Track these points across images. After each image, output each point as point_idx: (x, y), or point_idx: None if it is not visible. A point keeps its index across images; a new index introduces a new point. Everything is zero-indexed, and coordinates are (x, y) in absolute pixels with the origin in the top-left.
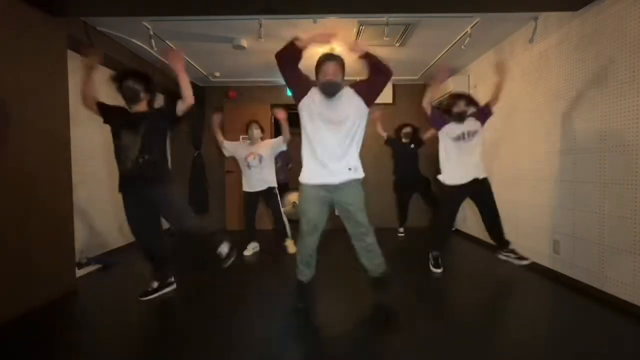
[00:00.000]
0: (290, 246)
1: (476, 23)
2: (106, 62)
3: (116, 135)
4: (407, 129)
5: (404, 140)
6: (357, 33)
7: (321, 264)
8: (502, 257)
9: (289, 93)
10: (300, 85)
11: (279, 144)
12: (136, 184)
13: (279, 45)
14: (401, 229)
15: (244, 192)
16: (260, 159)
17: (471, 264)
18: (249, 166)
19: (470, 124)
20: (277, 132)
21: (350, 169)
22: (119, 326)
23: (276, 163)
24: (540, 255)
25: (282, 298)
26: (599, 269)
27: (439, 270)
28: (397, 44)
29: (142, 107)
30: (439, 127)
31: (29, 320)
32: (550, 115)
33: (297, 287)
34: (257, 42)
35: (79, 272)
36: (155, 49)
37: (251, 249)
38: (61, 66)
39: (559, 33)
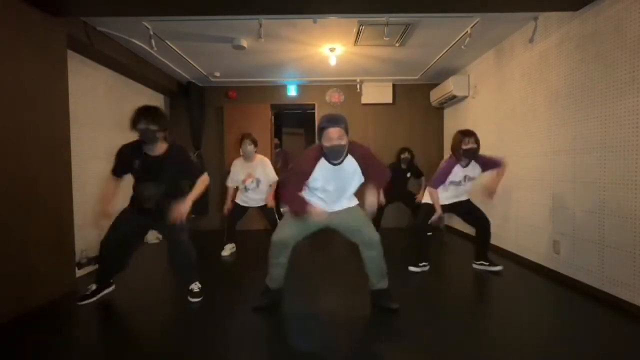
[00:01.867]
0: None
1: (476, 23)
2: (106, 62)
3: (138, 180)
4: (405, 155)
5: (402, 166)
6: (357, 33)
7: (322, 263)
8: (476, 266)
9: (289, 92)
10: (308, 175)
11: (269, 176)
12: (151, 215)
13: (279, 45)
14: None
15: (236, 202)
16: (258, 182)
17: (470, 264)
18: (245, 189)
19: (473, 170)
20: (277, 131)
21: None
22: (119, 326)
23: (276, 163)
24: (540, 255)
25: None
26: (599, 269)
27: (423, 266)
28: (397, 44)
29: (161, 148)
30: (444, 181)
31: (29, 320)
32: (550, 115)
33: (265, 291)
34: (257, 42)
35: (79, 272)
36: (155, 48)
37: (229, 249)
38: (61, 66)
39: (559, 33)
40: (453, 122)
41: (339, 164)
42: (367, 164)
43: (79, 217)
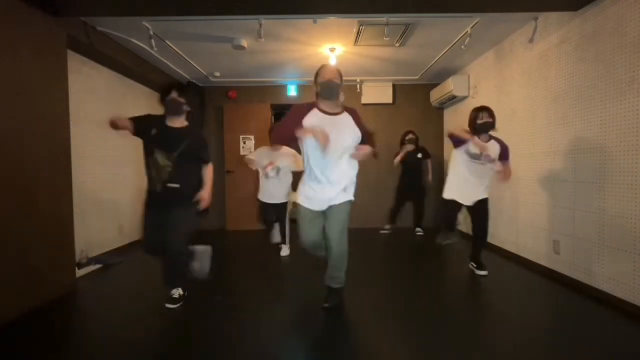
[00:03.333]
0: (284, 250)
1: (476, 23)
2: (106, 62)
3: (149, 151)
4: (410, 135)
5: (409, 148)
6: (357, 33)
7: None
8: (470, 265)
9: (289, 92)
10: (298, 122)
11: (296, 162)
12: (163, 203)
13: (279, 45)
14: (387, 227)
15: (258, 199)
16: (278, 171)
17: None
18: (266, 176)
19: (493, 148)
20: None
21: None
22: (119, 326)
23: None
24: (540, 255)
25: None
26: (599, 269)
27: (453, 238)
28: (397, 44)
29: (182, 122)
30: (457, 146)
31: (29, 320)
32: (550, 115)
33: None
34: (257, 42)
35: (79, 272)
36: (155, 48)
37: (286, 249)
38: (61, 66)
39: (559, 33)
40: (453, 122)
41: (333, 114)
42: (359, 124)
43: (78, 217)
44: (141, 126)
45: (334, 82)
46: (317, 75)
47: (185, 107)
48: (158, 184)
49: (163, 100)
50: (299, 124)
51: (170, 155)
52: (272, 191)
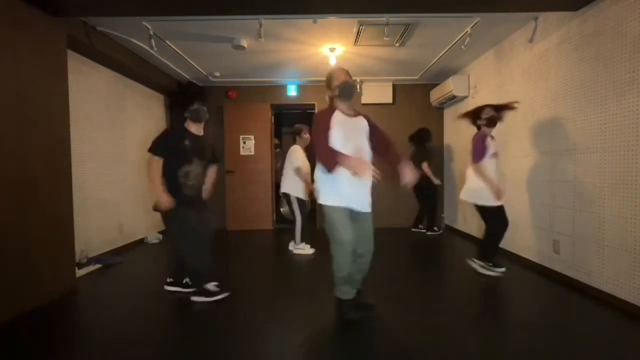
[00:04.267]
0: (292, 248)
1: (476, 23)
2: (106, 62)
3: (187, 161)
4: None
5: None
6: (357, 33)
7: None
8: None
9: (289, 92)
10: (327, 130)
11: (296, 161)
12: (197, 205)
13: (279, 45)
14: (436, 229)
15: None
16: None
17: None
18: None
19: (496, 145)
20: (276, 130)
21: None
22: (119, 326)
23: (276, 163)
24: (540, 255)
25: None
26: (599, 269)
27: (501, 269)
28: (397, 44)
29: (202, 128)
30: (483, 154)
31: (29, 320)
32: (550, 115)
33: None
34: (257, 42)
35: (79, 272)
36: (155, 48)
37: (308, 248)
38: (61, 66)
39: (559, 33)
40: (453, 122)
41: (353, 115)
42: (375, 130)
43: (78, 217)
44: (168, 145)
45: (351, 82)
46: (330, 79)
47: (207, 115)
48: (195, 190)
49: (186, 109)
50: (329, 128)
51: (204, 162)
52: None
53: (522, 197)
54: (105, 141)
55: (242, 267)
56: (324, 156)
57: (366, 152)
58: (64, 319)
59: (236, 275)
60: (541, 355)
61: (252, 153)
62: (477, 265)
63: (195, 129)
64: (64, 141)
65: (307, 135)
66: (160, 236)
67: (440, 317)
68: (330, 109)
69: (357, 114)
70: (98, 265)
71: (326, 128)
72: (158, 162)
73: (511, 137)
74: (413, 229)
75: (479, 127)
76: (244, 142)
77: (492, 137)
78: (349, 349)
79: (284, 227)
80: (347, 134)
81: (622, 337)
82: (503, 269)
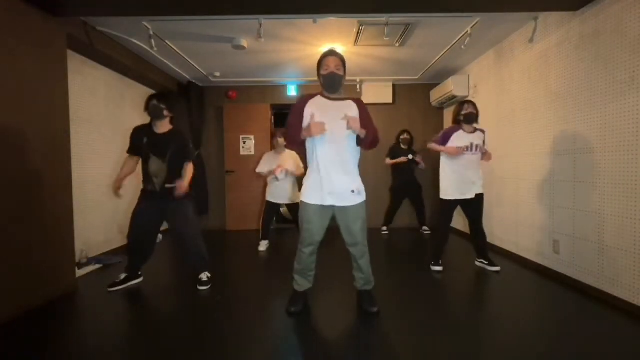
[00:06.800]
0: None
1: (476, 23)
2: (106, 62)
3: (145, 161)
4: (405, 135)
5: (402, 146)
6: (357, 33)
7: (323, 263)
8: (477, 263)
9: (289, 92)
10: (300, 119)
11: (297, 167)
12: (160, 200)
13: (279, 45)
14: (384, 228)
15: (267, 201)
16: (286, 172)
17: (470, 264)
18: (276, 178)
19: (478, 137)
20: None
21: (353, 191)
22: (119, 326)
23: None
24: (540, 255)
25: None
26: (599, 269)
27: (439, 268)
28: (397, 44)
29: (166, 127)
30: (444, 142)
31: (29, 320)
32: (550, 115)
33: (292, 294)
34: (257, 42)
35: (79, 272)
36: (155, 49)
37: (264, 245)
38: (61, 66)
39: (559, 33)
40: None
41: (337, 99)
42: (365, 118)
43: (79, 217)
44: (135, 142)
45: (336, 74)
46: (319, 65)
47: (166, 113)
48: (157, 187)
49: (146, 108)
50: (300, 120)
51: (164, 159)
52: (282, 189)
53: (522, 197)
54: (105, 141)
55: (242, 267)
56: (288, 134)
57: (339, 136)
58: (64, 319)
59: (236, 275)
60: (541, 355)
61: (252, 153)
62: (484, 265)
63: (157, 127)
64: (64, 141)
65: (281, 139)
66: (161, 236)
67: (436, 315)
68: (310, 95)
69: (345, 98)
70: (98, 265)
71: (297, 110)
72: (127, 159)
73: (511, 137)
74: (423, 230)
75: (458, 123)
76: (244, 142)
77: (471, 132)
78: (350, 349)
79: (284, 227)
80: (322, 117)
81: (622, 337)
82: (440, 269)
